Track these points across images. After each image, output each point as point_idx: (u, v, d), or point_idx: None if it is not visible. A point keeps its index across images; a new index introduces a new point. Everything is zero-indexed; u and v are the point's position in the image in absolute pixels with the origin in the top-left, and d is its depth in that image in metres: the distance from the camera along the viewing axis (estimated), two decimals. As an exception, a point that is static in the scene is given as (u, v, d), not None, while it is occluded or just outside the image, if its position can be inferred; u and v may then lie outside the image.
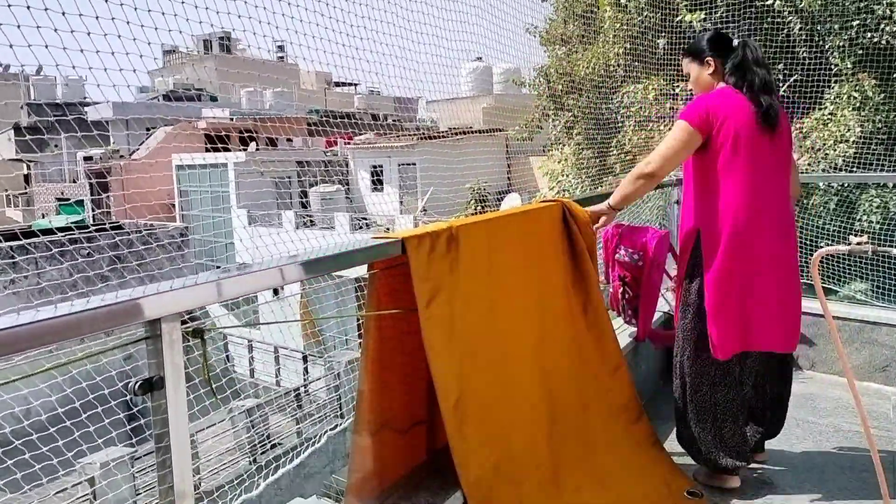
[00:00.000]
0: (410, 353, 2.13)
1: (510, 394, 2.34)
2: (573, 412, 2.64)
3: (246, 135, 23.28)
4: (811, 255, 2.69)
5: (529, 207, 2.75)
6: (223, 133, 21.72)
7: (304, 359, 14.50)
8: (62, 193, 28.14)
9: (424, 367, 2.02)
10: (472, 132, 18.99)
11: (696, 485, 2.78)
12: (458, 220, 2.26)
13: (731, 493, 2.76)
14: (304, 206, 21.71)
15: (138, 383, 1.35)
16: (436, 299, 2.04)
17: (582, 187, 12.24)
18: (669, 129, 2.83)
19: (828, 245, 8.54)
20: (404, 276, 2.02)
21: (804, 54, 9.95)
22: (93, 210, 22.97)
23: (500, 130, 18.81)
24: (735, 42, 2.71)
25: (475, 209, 17.09)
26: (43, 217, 27.36)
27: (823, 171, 9.54)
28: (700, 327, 2.64)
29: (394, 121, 25.02)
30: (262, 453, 10.24)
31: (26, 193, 30.35)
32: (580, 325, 2.81)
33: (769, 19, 10.05)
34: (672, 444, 3.20)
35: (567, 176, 13.27)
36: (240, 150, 21.85)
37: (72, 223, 18.44)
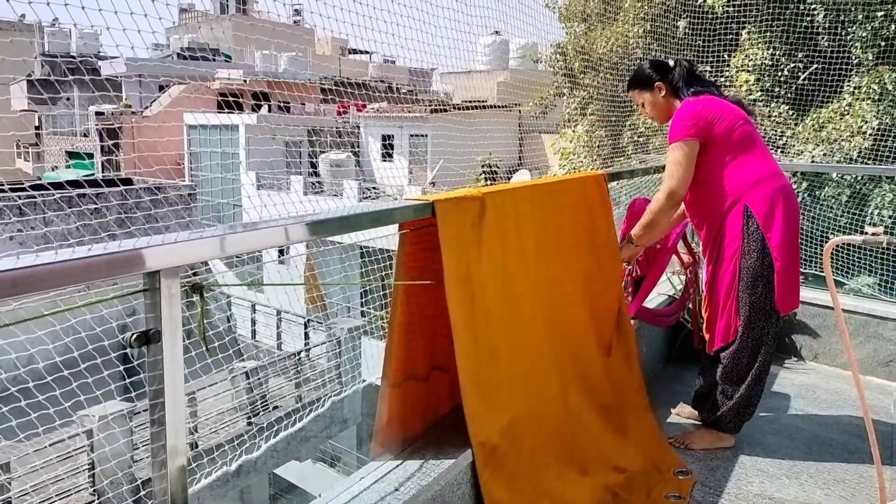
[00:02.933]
0: (434, 315, 2.19)
1: (520, 358, 2.39)
2: (578, 387, 2.66)
3: (258, 98, 23.15)
4: (821, 245, 2.68)
5: (559, 179, 2.83)
6: (237, 93, 21.61)
7: (306, 324, 14.56)
8: (73, 147, 28.11)
9: (448, 324, 2.09)
10: (485, 106, 18.85)
11: (685, 464, 2.82)
12: (486, 188, 2.33)
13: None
14: (313, 172, 21.64)
15: (134, 335, 1.33)
16: (457, 255, 2.11)
17: (593, 167, 12.16)
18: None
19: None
20: (432, 237, 2.08)
21: (826, 44, 9.81)
22: (102, 165, 22.95)
23: (514, 106, 18.68)
24: (670, 62, 2.99)
25: (484, 184, 17.02)
26: (53, 170, 27.37)
27: (838, 162, 9.44)
28: (762, 291, 2.76)
29: (407, 91, 24.84)
30: (261, 414, 10.32)
31: (37, 146, 30.33)
32: (597, 300, 2.87)
33: (792, 6, 9.89)
34: (664, 426, 3.20)
35: (578, 155, 13.18)
36: (251, 113, 21.74)
37: (82, 177, 18.43)
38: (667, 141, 2.85)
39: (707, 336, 2.98)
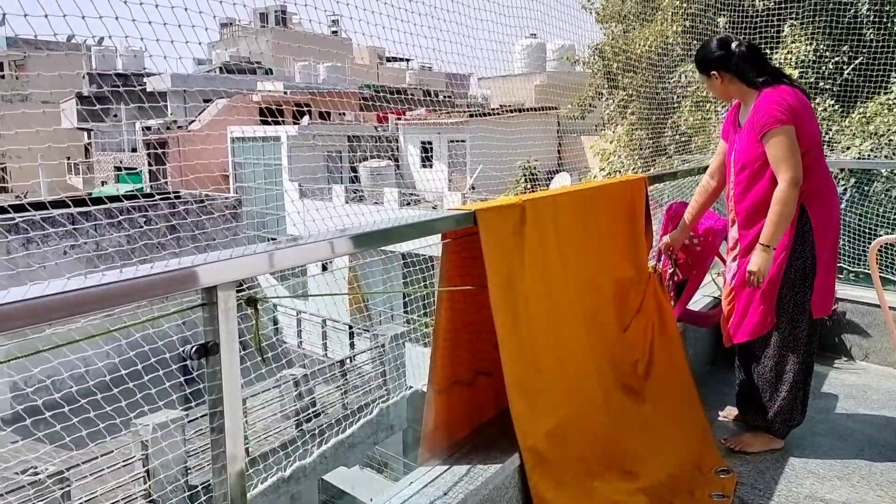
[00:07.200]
0: (478, 322, 2.23)
1: (563, 363, 2.43)
2: (618, 389, 2.68)
3: (298, 108, 23.45)
4: (869, 243, 2.66)
5: (599, 184, 2.87)
6: (277, 106, 21.93)
7: (351, 332, 14.68)
8: (121, 162, 28.80)
9: (491, 330, 2.14)
10: (523, 110, 18.81)
11: (726, 463, 2.81)
12: (526, 196, 2.38)
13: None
14: (353, 180, 21.83)
15: (194, 348, 1.40)
16: (500, 262, 2.15)
17: (634, 168, 12.08)
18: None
19: (888, 234, 8.28)
20: (474, 246, 2.12)
21: (871, 35, 9.60)
22: (150, 180, 23.48)
23: (553, 108, 18.60)
24: (732, 44, 2.80)
25: (524, 188, 16.98)
26: (103, 185, 28.06)
27: (886, 157, 9.24)
28: (802, 291, 2.77)
29: (445, 97, 24.91)
30: (310, 420, 10.45)
31: (88, 161, 31.14)
32: (637, 302, 2.87)
33: (835, -1, 9.72)
34: (713, 429, 3.18)
35: (619, 156, 13.10)
36: (292, 124, 22.03)
37: (132, 191, 18.89)
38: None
39: (731, 329, 2.92)
